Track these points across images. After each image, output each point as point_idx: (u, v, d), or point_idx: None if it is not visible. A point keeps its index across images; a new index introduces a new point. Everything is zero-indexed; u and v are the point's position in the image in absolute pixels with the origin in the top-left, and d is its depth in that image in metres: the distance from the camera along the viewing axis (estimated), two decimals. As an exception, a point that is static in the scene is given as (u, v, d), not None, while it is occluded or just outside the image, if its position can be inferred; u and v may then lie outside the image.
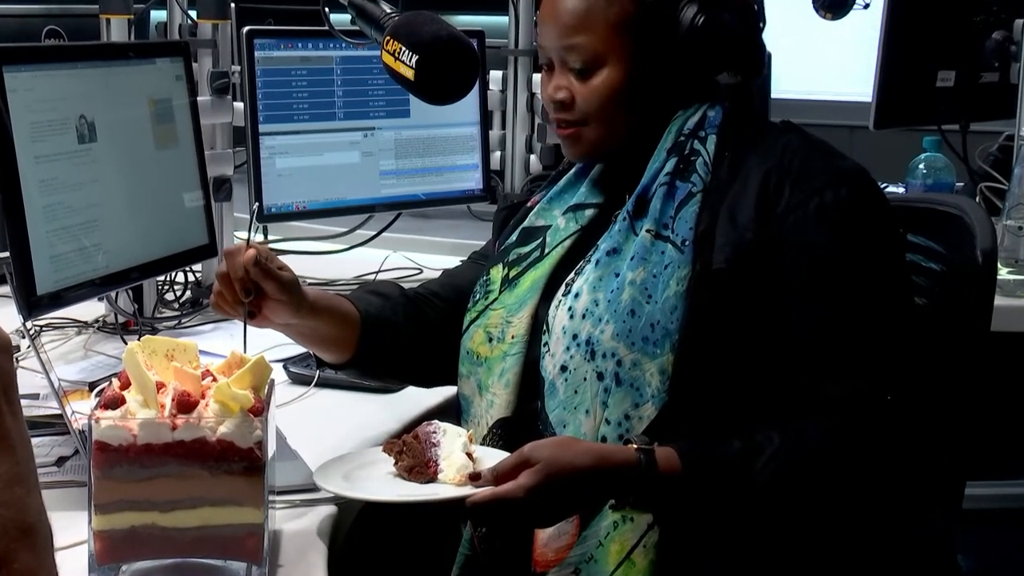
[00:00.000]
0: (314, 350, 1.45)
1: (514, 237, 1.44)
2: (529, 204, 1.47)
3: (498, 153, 2.58)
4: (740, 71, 1.36)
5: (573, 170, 1.45)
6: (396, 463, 1.24)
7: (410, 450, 1.24)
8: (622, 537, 1.25)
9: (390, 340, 1.43)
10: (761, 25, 1.37)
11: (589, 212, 1.40)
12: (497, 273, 1.41)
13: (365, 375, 1.53)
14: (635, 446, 1.19)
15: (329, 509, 1.30)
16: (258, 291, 1.28)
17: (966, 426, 1.46)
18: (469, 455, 1.22)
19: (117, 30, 1.92)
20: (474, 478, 1.19)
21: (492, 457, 1.24)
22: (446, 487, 1.20)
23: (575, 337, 1.28)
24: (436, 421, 1.27)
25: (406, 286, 1.51)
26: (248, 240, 1.29)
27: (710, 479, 1.20)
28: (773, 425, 1.22)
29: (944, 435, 1.44)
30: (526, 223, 1.44)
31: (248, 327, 1.31)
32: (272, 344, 1.72)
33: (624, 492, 1.19)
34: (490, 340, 1.36)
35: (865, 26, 2.61)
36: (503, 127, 2.60)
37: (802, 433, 1.23)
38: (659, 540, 1.24)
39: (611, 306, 1.27)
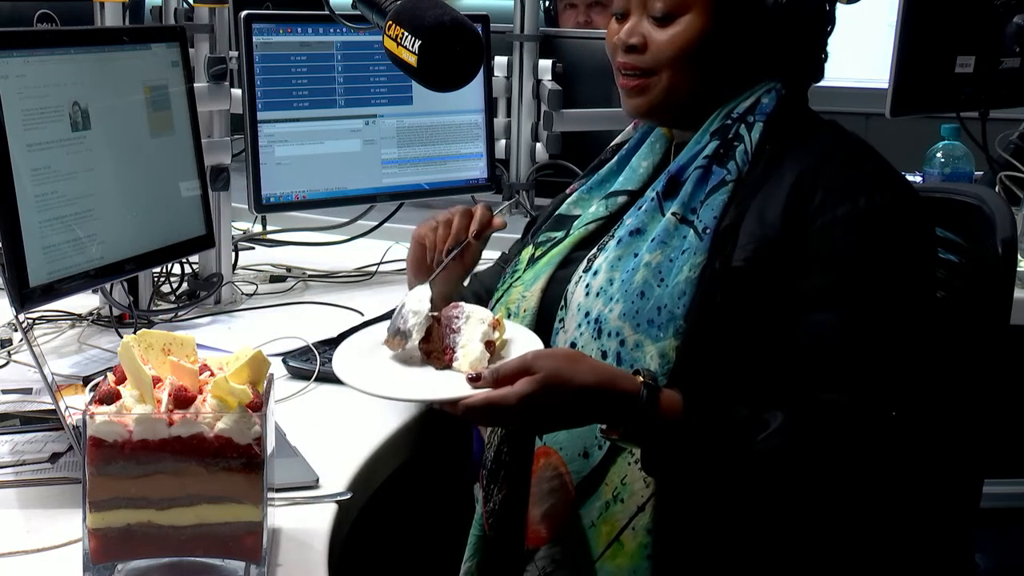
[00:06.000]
0: None
1: (548, 223, 1.47)
2: (567, 191, 1.49)
3: (503, 141, 2.56)
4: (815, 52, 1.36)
5: (615, 159, 1.46)
6: (419, 340, 1.26)
7: (431, 332, 1.24)
8: (612, 518, 1.24)
9: None
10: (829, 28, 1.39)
11: (621, 199, 1.40)
12: (526, 254, 1.44)
13: None
14: (641, 379, 1.18)
15: (330, 507, 1.29)
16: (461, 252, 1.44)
17: (984, 422, 1.45)
18: (491, 343, 1.22)
19: (111, 14, 1.89)
20: (474, 379, 1.18)
21: (522, 338, 1.27)
22: (444, 387, 1.21)
23: (587, 315, 1.29)
24: (463, 304, 1.28)
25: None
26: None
27: (705, 435, 1.19)
28: (782, 408, 1.20)
29: (961, 432, 1.43)
30: (562, 210, 1.47)
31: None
32: (270, 338, 1.69)
33: (618, 420, 1.18)
34: (509, 316, 1.38)
35: (881, 10, 2.57)
36: (508, 115, 2.58)
37: (809, 422, 1.20)
38: (649, 522, 1.23)
39: (623, 286, 1.27)
